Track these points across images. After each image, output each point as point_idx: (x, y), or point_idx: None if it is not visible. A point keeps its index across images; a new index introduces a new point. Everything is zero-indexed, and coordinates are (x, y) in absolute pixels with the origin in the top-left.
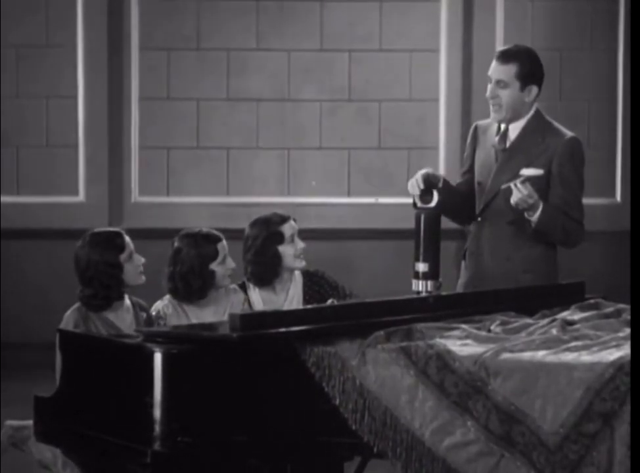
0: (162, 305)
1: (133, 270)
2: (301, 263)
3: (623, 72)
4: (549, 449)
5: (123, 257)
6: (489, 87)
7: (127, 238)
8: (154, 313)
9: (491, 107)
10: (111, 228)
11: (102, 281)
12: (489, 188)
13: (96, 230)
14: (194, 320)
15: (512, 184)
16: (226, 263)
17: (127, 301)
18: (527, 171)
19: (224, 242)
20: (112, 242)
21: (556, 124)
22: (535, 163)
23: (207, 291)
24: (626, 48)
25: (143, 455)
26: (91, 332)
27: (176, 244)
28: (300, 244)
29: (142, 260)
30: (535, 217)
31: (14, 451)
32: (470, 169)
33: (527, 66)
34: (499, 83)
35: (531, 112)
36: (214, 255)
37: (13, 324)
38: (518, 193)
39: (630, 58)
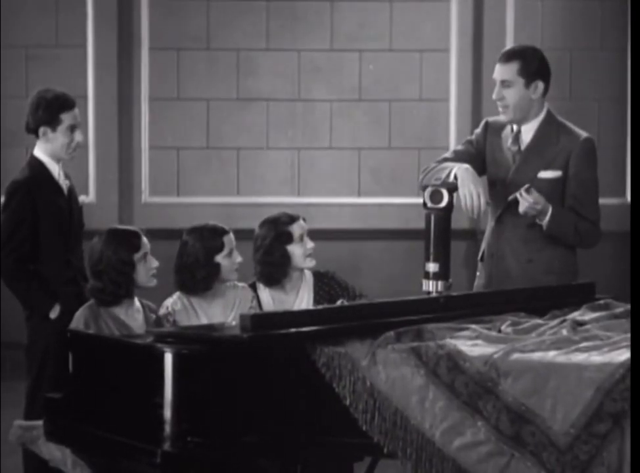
0: (171, 301)
1: (145, 272)
2: (311, 263)
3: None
4: (560, 449)
5: (137, 256)
6: (495, 89)
7: (145, 239)
8: (161, 311)
9: (499, 109)
10: (130, 227)
11: (111, 277)
12: (508, 191)
13: (114, 227)
14: (203, 315)
15: (517, 194)
16: (232, 257)
17: (137, 302)
18: (545, 174)
19: (231, 235)
20: (128, 241)
21: (569, 125)
22: (553, 165)
23: (212, 283)
24: None
25: (153, 455)
26: (102, 330)
27: (183, 238)
28: (309, 244)
29: (156, 263)
30: (545, 221)
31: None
32: (473, 158)
33: (529, 62)
34: (503, 83)
35: (543, 113)
36: (220, 248)
37: (13, 324)
38: (525, 202)
39: (630, 58)
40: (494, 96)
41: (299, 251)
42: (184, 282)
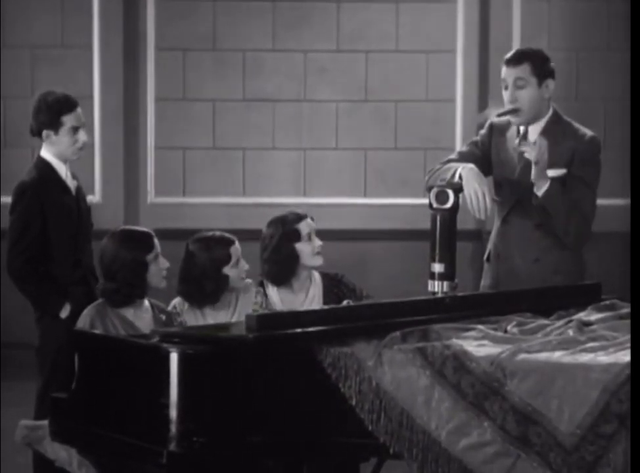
0: (178, 300)
1: (157, 273)
2: (319, 261)
3: None
4: (566, 450)
5: (149, 257)
6: (507, 92)
7: (156, 240)
8: (168, 310)
9: (510, 118)
10: (142, 228)
11: (126, 277)
12: (514, 190)
13: (127, 227)
14: (209, 316)
15: (520, 147)
16: (239, 266)
17: (146, 302)
18: (551, 172)
19: (237, 244)
20: (142, 241)
21: (575, 124)
22: (558, 164)
23: (221, 294)
24: None
25: (159, 455)
26: (108, 330)
27: (189, 248)
28: (318, 242)
29: (167, 264)
30: (543, 190)
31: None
32: (478, 159)
33: (540, 61)
34: (517, 82)
35: (550, 113)
36: (227, 259)
37: (13, 324)
38: (532, 151)
39: (630, 58)
40: (507, 99)
41: (308, 249)
42: (191, 294)
